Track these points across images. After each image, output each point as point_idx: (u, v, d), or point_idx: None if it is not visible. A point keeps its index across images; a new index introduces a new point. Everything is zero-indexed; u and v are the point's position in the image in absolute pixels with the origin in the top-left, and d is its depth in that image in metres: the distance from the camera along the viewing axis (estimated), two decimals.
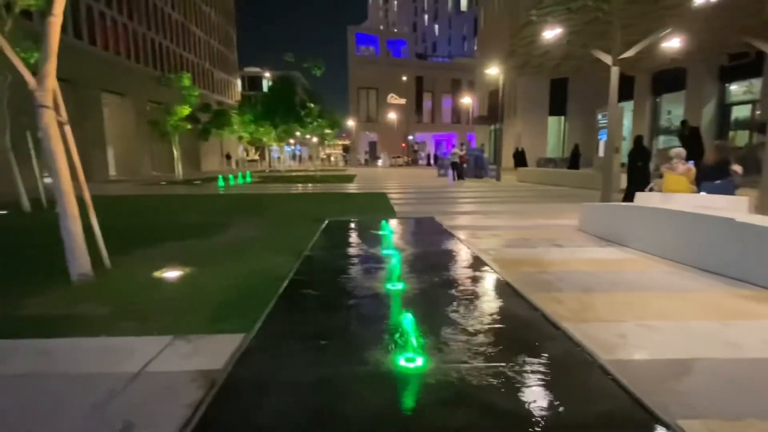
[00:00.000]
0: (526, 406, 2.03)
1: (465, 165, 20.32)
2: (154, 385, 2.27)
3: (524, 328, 2.97)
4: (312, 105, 19.84)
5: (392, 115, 51.53)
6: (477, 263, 4.76)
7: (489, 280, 4.14)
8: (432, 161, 49.73)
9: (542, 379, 2.27)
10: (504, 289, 3.85)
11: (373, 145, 55.45)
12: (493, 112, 30.04)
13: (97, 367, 2.49)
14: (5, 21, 4.39)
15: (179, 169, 20.45)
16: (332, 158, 65.22)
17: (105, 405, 2.09)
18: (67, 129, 4.38)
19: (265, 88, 54.32)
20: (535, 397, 2.11)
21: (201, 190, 16.52)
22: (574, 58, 10.44)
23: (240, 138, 28.35)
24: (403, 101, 53.24)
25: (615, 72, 7.42)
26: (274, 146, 44.40)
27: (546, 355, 2.55)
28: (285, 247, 5.60)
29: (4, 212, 9.72)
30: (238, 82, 55.43)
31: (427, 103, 55.77)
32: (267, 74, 48.55)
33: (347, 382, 2.29)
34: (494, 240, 6.15)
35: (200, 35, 39.51)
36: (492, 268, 4.48)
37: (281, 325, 3.09)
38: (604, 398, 2.11)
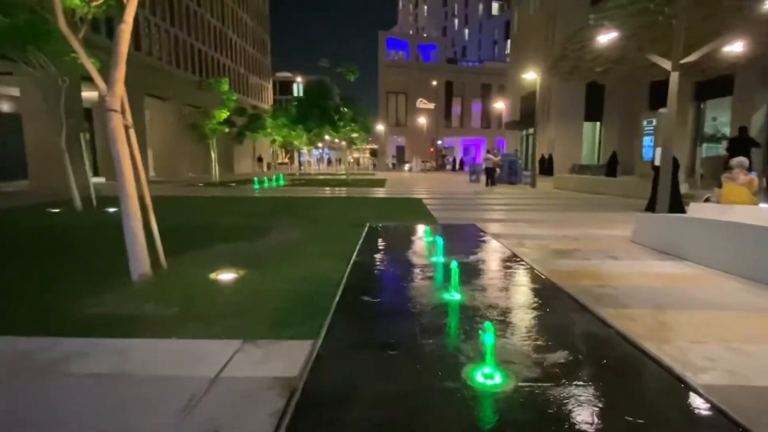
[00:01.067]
0: None
1: (498, 171, 20.01)
2: (233, 391, 2.27)
3: (602, 347, 2.83)
4: (345, 109, 19.98)
5: (421, 120, 51.46)
6: (533, 274, 4.61)
7: (550, 293, 4.00)
8: (456, 166, 49.33)
9: (635, 404, 2.14)
10: (568, 303, 3.70)
11: (400, 150, 55.47)
12: (526, 116, 29.51)
13: (174, 370, 2.51)
14: (80, 29, 4.56)
15: (216, 171, 20.98)
16: (360, 162, 65.65)
17: (190, 409, 2.09)
18: (131, 132, 4.53)
19: (296, 93, 55.36)
20: (630, 426, 1.98)
21: (237, 192, 16.87)
22: (626, 63, 10.08)
23: (273, 141, 28.86)
24: (432, 106, 53.10)
25: (674, 77, 7.09)
26: (304, 149, 45.05)
27: (633, 377, 2.41)
28: (331, 252, 5.61)
29: (58, 210, 10.16)
30: (271, 87, 56.61)
31: (456, 108, 55.45)
32: (299, 79, 49.39)
33: (424, 396, 2.23)
34: (543, 250, 5.97)
35: (236, 40, 40.62)
36: (551, 280, 4.33)
37: (346, 333, 3.06)
38: (708, 429, 1.97)
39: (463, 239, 6.87)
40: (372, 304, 3.70)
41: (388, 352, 2.74)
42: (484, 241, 6.53)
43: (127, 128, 4.39)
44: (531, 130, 29.44)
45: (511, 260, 5.28)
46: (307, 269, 4.79)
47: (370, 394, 2.25)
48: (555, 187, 18.59)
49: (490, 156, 19.52)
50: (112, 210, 10.06)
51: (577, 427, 1.95)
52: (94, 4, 4.47)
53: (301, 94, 24.09)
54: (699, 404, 2.14)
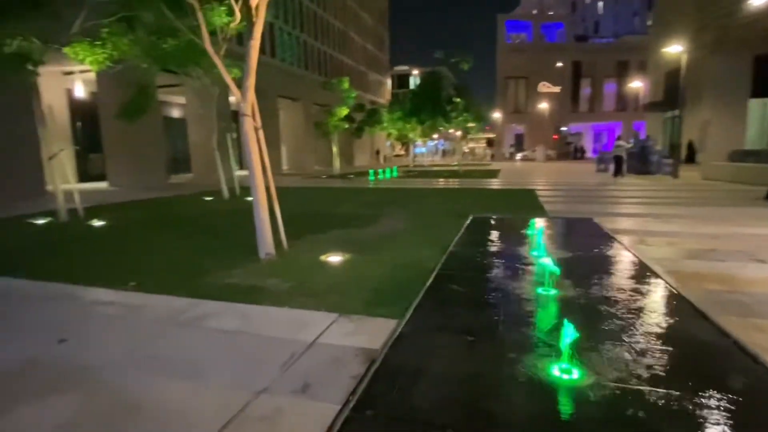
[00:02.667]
0: None
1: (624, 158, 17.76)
2: (325, 355, 2.64)
3: (706, 356, 2.55)
4: (458, 99, 19.80)
5: (543, 105, 48.09)
6: (644, 273, 4.19)
7: (659, 294, 3.63)
8: (579, 154, 45.04)
9: (733, 421, 1.94)
10: (680, 306, 3.32)
11: (519, 138, 52.67)
12: (671, 96, 25.53)
13: (283, 333, 3.00)
14: (221, 46, 5.48)
15: (337, 164, 22.67)
16: (476, 152, 64.10)
17: (291, 365, 2.52)
18: (260, 133, 5.30)
19: (412, 86, 56.34)
20: None
21: (355, 183, 18.06)
22: None
23: (388, 134, 29.98)
24: (556, 89, 49.23)
25: None
26: (418, 141, 45.73)
27: (740, 394, 2.15)
28: (431, 241, 5.80)
29: (211, 199, 12.20)
30: (389, 82, 58.52)
31: (585, 90, 50.53)
32: (415, 71, 50.15)
33: (495, 381, 2.31)
34: (669, 248, 5.33)
35: (357, 40, 42.89)
36: (664, 281, 3.90)
37: (430, 316, 3.25)
38: None
39: (572, 234, 6.46)
40: (459, 293, 3.81)
41: (466, 337, 2.86)
42: (596, 237, 6.06)
43: (256, 130, 5.15)
44: (676, 112, 25.51)
45: (622, 258, 4.85)
46: (405, 256, 5.08)
47: (441, 372, 2.42)
48: (704, 177, 15.93)
49: (621, 143, 17.50)
50: (249, 199, 11.71)
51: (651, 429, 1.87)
52: (232, 26, 5.31)
53: (417, 87, 24.54)
54: None
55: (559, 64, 46.94)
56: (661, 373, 2.34)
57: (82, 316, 3.43)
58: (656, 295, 3.63)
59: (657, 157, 18.43)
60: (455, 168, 24.66)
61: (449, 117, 20.21)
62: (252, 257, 5.10)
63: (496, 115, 48.11)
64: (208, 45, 4.89)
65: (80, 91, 18.35)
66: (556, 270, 3.68)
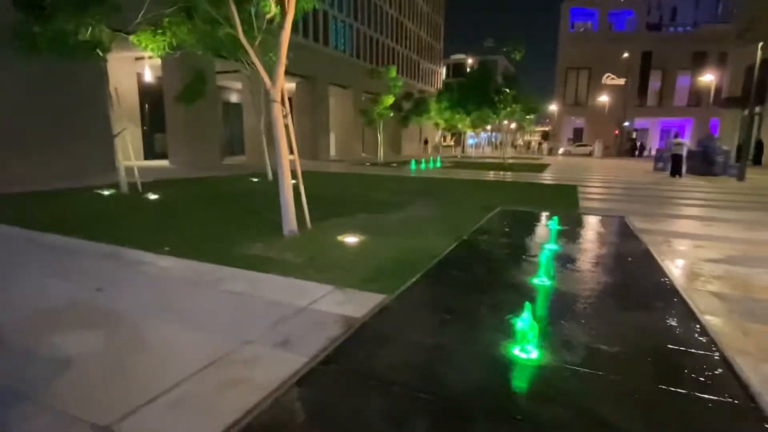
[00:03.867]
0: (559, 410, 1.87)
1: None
2: (311, 319, 2.95)
3: (672, 351, 2.57)
4: (507, 90, 19.31)
5: (605, 98, 45.42)
6: (649, 271, 4.12)
7: (654, 291, 3.58)
8: (638, 152, 42.26)
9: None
10: (670, 303, 3.29)
11: (578, 132, 50.20)
12: (750, 92, 23.25)
13: (282, 298, 3.34)
14: (257, 36, 5.88)
15: (381, 152, 22.98)
16: (532, 145, 61.91)
17: (279, 324, 2.85)
18: (288, 119, 5.67)
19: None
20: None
21: (395, 171, 18.29)
22: None
23: (436, 124, 29.80)
24: (621, 81, 46.21)
25: None
26: (471, 132, 44.85)
27: (700, 393, 2.21)
28: (449, 229, 5.94)
29: (256, 180, 12.95)
30: (443, 71, 57.72)
31: (654, 83, 47.01)
32: (469, 60, 49.10)
33: (453, 353, 2.50)
34: (692, 250, 5.13)
35: (411, 28, 42.64)
36: (670, 280, 3.83)
37: (417, 295, 3.47)
38: None
39: (594, 231, 6.34)
40: (455, 277, 3.98)
41: (444, 315, 3.06)
42: (620, 235, 5.92)
43: (285, 116, 5.53)
44: (757, 109, 23.28)
45: (634, 256, 4.75)
46: (418, 242, 5.27)
47: (408, 341, 2.65)
48: None
49: (679, 140, 16.34)
50: (293, 182, 12.33)
51: (596, 411, 2.00)
52: (268, 16, 5.68)
53: (465, 77, 24.07)
54: (757, 428, 1.89)
55: (625, 55, 43.91)
56: (615, 361, 2.42)
57: (120, 271, 3.98)
58: (651, 291, 3.60)
59: (723, 157, 17.02)
60: (501, 161, 24.14)
61: (497, 108, 19.76)
62: (277, 234, 5.52)
63: (553, 107, 46.13)
64: (241, 35, 5.29)
65: (148, 76, 19.93)
66: (552, 262, 3.75)
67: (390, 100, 20.57)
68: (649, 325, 2.95)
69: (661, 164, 19.44)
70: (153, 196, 8.86)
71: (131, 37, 9.04)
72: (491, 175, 16.49)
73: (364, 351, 2.52)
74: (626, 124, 45.72)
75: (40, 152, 12.51)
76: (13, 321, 2.89)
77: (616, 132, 45.94)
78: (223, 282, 3.70)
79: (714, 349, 2.58)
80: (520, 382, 2.24)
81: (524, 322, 2.50)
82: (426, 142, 45.19)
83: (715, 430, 1.86)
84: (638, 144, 44.94)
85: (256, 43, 5.81)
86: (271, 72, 5.38)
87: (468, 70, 23.17)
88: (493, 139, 68.27)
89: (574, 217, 7.29)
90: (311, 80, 25.91)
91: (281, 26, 5.14)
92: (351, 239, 5.36)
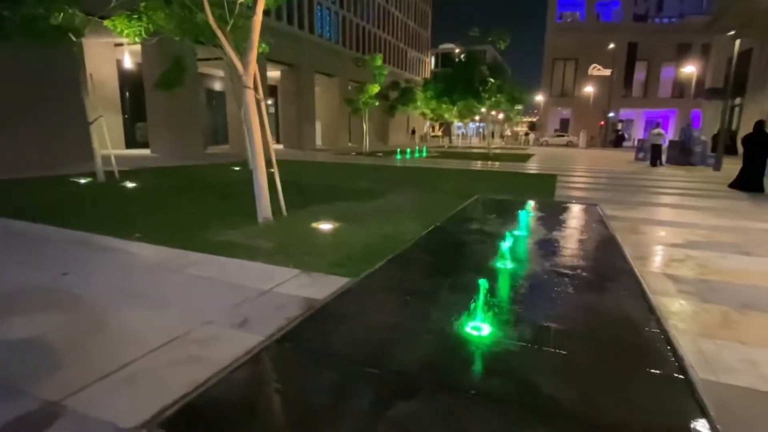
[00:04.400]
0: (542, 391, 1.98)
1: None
2: (272, 301, 3.00)
3: (617, 328, 2.69)
4: (491, 80, 19.35)
5: (591, 89, 45.77)
6: (614, 256, 4.25)
7: (612, 274, 3.71)
8: (620, 142, 42.89)
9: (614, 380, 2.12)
10: (625, 284, 3.42)
11: (564, 123, 50.61)
12: (733, 83, 23.68)
13: (246, 282, 3.38)
14: (228, 22, 5.82)
15: (366, 142, 22.92)
16: (519, 136, 62.25)
17: (240, 306, 2.90)
18: (263, 105, 5.65)
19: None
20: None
21: (380, 161, 18.29)
22: None
23: (423, 114, 29.76)
24: (607, 72, 46.54)
25: None
26: (459, 123, 44.81)
27: (636, 366, 2.32)
28: (423, 216, 6.01)
29: (237, 168, 12.85)
30: (433, 60, 57.46)
31: (639, 74, 47.44)
32: (457, 50, 48.86)
33: (408, 331, 2.58)
34: (657, 236, 5.29)
35: (398, 16, 42.28)
36: (629, 264, 3.96)
37: (381, 278, 3.54)
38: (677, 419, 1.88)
39: (564, 218, 6.47)
40: (421, 261, 4.06)
41: (405, 296, 3.14)
42: (589, 222, 6.06)
43: (258, 102, 5.51)
44: (738, 100, 23.74)
45: (599, 241, 4.89)
46: (391, 228, 5.33)
47: (364, 320, 2.72)
48: None
49: (658, 131, 16.61)
50: (272, 171, 12.28)
51: (534, 385, 2.09)
52: (240, 1, 5.62)
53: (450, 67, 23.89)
54: (683, 397, 2.00)
55: (611, 46, 44.18)
56: (562, 337, 2.52)
57: (88, 257, 3.97)
58: (608, 274, 3.72)
59: (701, 147, 17.35)
60: (486, 151, 24.27)
61: (482, 98, 19.81)
62: (252, 221, 5.53)
63: (539, 98, 46.36)
64: (211, 19, 5.24)
65: (128, 62, 19.50)
66: (516, 246, 3.84)
67: (375, 88, 20.48)
68: (600, 304, 3.07)
69: (642, 154, 19.76)
70: (130, 185, 8.77)
71: (106, 22, 8.84)
72: (474, 165, 16.60)
73: (320, 330, 2.59)
74: (611, 114, 46.19)
75: (14, 140, 12.25)
76: None
77: (602, 123, 46.40)
78: (190, 267, 3.73)
79: (658, 326, 2.69)
80: (467, 357, 2.32)
81: (476, 301, 2.59)
82: (413, 132, 45.11)
83: (644, 399, 1.97)
84: (623, 134, 45.46)
85: (228, 28, 5.75)
86: (245, 58, 5.34)
87: (456, 60, 23.03)
88: (481, 130, 68.42)
89: (548, 205, 7.42)
90: (296, 68, 25.63)
91: (253, 11, 5.10)
92: (325, 226, 5.40)
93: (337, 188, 9.18)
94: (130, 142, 21.33)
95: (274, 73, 26.32)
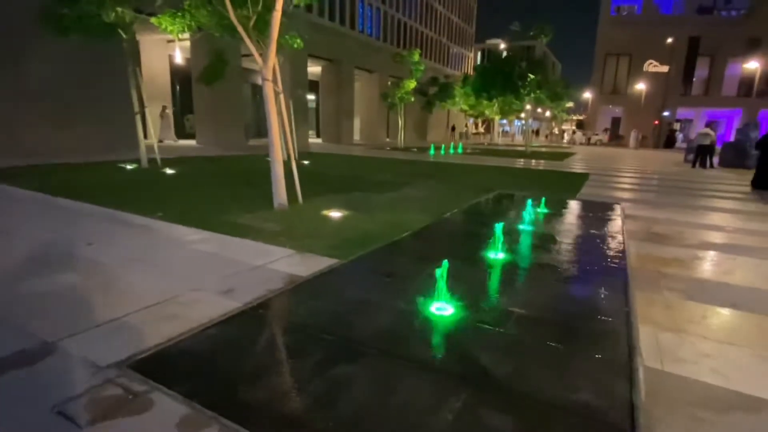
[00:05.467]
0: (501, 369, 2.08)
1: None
2: (261, 275, 3.26)
3: (585, 319, 2.72)
4: (531, 76, 18.86)
5: (645, 86, 43.33)
6: (614, 252, 4.19)
7: (607, 269, 3.67)
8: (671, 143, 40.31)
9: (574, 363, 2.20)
10: (615, 281, 3.39)
11: (616, 121, 48.26)
12: None
13: (243, 258, 3.66)
14: (250, 17, 6.15)
15: (402, 137, 23.04)
16: (566, 135, 60.04)
17: (230, 277, 3.18)
18: (282, 97, 5.96)
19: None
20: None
21: (411, 156, 18.37)
22: None
23: (462, 110, 29.43)
24: (665, 69, 43.85)
25: None
26: (504, 120, 43.80)
27: (587, 351, 2.37)
28: (433, 208, 6.12)
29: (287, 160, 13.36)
30: (479, 56, 56.51)
31: (700, 71, 44.35)
32: (502, 46, 47.72)
33: (376, 307, 2.75)
34: (673, 237, 5.11)
35: (441, 11, 41.88)
36: (625, 260, 3.90)
37: (370, 261, 3.71)
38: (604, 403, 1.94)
39: (577, 214, 6.34)
40: (414, 248, 4.19)
41: (385, 278, 3.30)
42: (603, 219, 5.92)
43: (277, 94, 5.82)
44: None
45: (608, 237, 4.80)
46: (397, 218, 5.49)
47: (338, 296, 2.92)
48: None
49: (706, 131, 15.59)
50: (306, 162, 12.73)
51: (493, 365, 2.21)
52: None
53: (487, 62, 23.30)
54: (617, 379, 2.05)
55: (670, 40, 41.57)
56: (524, 322, 2.60)
57: (114, 231, 4.43)
58: (599, 268, 3.69)
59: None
60: (523, 149, 23.70)
61: (520, 94, 19.39)
62: (269, 206, 5.87)
63: (587, 95, 44.50)
64: (232, 15, 5.58)
65: (179, 58, 20.69)
66: (516, 238, 3.89)
67: (412, 84, 20.53)
68: (576, 295, 3.09)
69: (691, 156, 18.58)
70: (169, 171, 9.43)
71: (152, 19, 9.52)
72: (506, 162, 16.32)
73: (294, 301, 2.81)
74: (666, 113, 43.54)
75: (73, 128, 13.43)
76: (6, 264, 3.36)
77: (656, 122, 43.85)
78: (198, 243, 4.07)
79: (626, 319, 2.70)
80: (419, 332, 2.46)
81: (447, 285, 2.71)
82: (453, 128, 44.64)
83: (575, 378, 2.03)
84: (674, 135, 42.77)
85: (251, 23, 6.08)
86: (265, 51, 5.64)
87: (503, 55, 22.58)
88: (526, 128, 66.48)
89: (566, 201, 7.27)
90: (336, 63, 26.11)
91: (273, 7, 5.39)
92: (335, 213, 5.63)
93: (359, 179, 9.41)
94: (180, 133, 22.65)
95: (315, 69, 26.95)
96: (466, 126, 51.90)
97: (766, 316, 2.84)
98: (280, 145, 5.94)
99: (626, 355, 2.23)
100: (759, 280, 3.58)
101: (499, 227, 3.95)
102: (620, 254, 4.13)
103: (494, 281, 3.35)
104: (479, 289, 3.12)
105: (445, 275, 2.70)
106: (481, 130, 56.93)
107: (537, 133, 57.52)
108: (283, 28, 11.03)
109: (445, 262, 2.73)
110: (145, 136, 10.58)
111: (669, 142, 40.44)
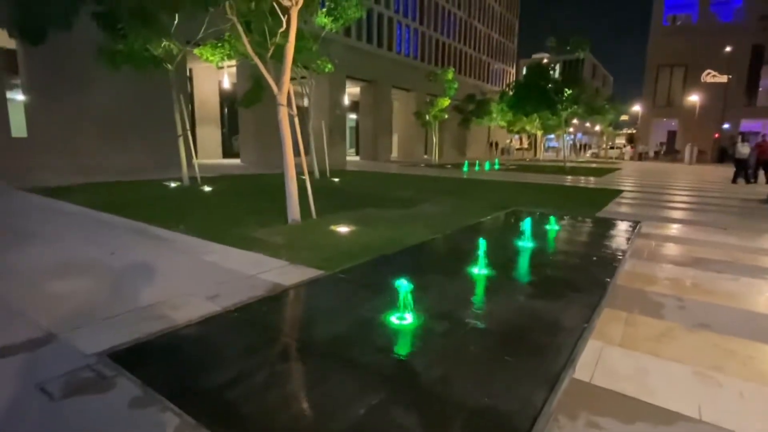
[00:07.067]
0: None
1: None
2: (249, 283, 3.59)
3: (541, 334, 2.79)
4: (568, 90, 18.53)
5: (703, 98, 40.83)
6: (606, 271, 4.15)
7: (588, 287, 3.67)
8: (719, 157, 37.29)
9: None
10: (590, 298, 3.40)
11: (672, 135, 45.71)
12: None
13: (239, 267, 4.02)
14: (269, 48, 6.70)
15: (436, 154, 23.22)
16: (618, 150, 57.53)
17: (221, 284, 3.53)
18: (296, 121, 6.40)
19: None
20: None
21: (442, 172, 18.49)
22: None
23: (502, 126, 29.19)
24: (724, 78, 41.19)
25: None
26: (551, 135, 42.69)
27: (523, 360, 2.47)
28: (439, 225, 6.26)
29: (304, 177, 14.01)
30: (522, 71, 55.78)
31: (765, 80, 41.27)
32: (545, 60, 46.91)
33: (342, 316, 2.97)
34: (676, 256, 4.95)
35: (481, 29, 42.04)
36: (612, 278, 3.88)
37: (353, 273, 3.94)
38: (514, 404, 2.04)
39: (587, 232, 6.23)
40: (403, 263, 4.38)
41: (360, 290, 3.52)
42: (612, 237, 5.80)
43: (292, 117, 6.27)
44: None
45: (608, 256, 4.74)
46: (401, 233, 5.69)
47: (311, 304, 3.17)
48: None
49: (745, 144, 14.60)
50: (336, 180, 13.25)
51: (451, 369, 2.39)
52: (280, 31, 6.42)
53: (555, 76, 22.72)
54: (539, 389, 2.14)
55: (728, 49, 39.14)
56: (475, 333, 2.72)
57: (137, 242, 4.97)
58: (581, 286, 3.69)
59: None
60: (563, 165, 23.08)
61: (556, 109, 19.07)
62: (284, 221, 6.28)
63: (636, 108, 42.62)
64: (248, 47, 6.13)
65: (226, 83, 22.26)
66: (509, 256, 3.97)
67: (445, 102, 20.76)
68: (543, 310, 3.14)
69: (743, 171, 17.33)
70: (207, 189, 10.21)
71: (195, 50, 10.49)
72: (539, 179, 16.03)
73: (267, 307, 3.10)
74: (726, 126, 40.74)
75: (125, 149, 14.82)
76: (38, 267, 3.92)
77: (716, 135, 41.08)
78: (205, 254, 4.50)
79: (579, 334, 2.74)
80: (372, 338, 2.65)
81: (401, 293, 2.89)
82: (495, 144, 44.15)
83: (498, 385, 2.14)
84: (726, 149, 39.78)
85: (269, 54, 6.63)
86: (280, 79, 6.13)
87: (538, 70, 22.32)
88: (563, 143, 64.28)
89: (582, 219, 7.15)
90: (373, 84, 26.91)
91: (286, 39, 5.88)
92: (343, 228, 5.93)
93: (379, 196, 9.70)
94: (227, 152, 24.17)
95: (354, 89, 27.91)
96: (510, 141, 51.13)
97: (732, 336, 2.77)
98: (293, 164, 6.36)
99: (560, 368, 2.31)
100: (742, 301, 3.44)
101: (483, 244, 4.06)
102: (609, 272, 4.09)
103: (464, 295, 3.47)
104: (447, 302, 3.27)
105: (407, 288, 2.88)
106: (525, 145, 55.81)
107: (585, 148, 55.55)
108: (315, 54, 11.77)
109: (403, 281, 2.91)
110: (196, 155, 11.52)
111: (722, 156, 37.73)
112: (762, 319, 3.11)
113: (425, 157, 33.05)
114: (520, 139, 56.12)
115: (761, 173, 15.14)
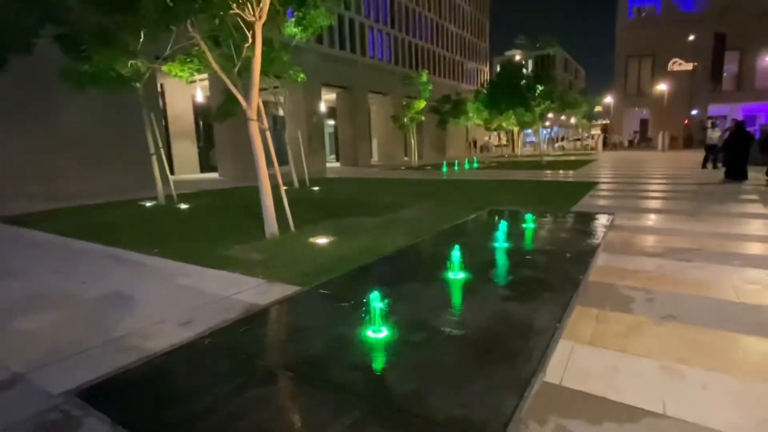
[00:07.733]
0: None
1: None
2: (223, 306, 3.55)
3: (510, 337, 2.84)
4: (539, 87, 18.87)
5: (671, 86, 42.06)
6: (578, 267, 4.23)
7: (559, 285, 3.74)
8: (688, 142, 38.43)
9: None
10: (560, 296, 3.47)
11: (644, 124, 46.95)
12: None
13: (214, 289, 3.97)
14: (236, 64, 6.66)
15: (415, 156, 23.35)
16: (591, 141, 58.72)
17: (195, 309, 3.49)
18: (267, 134, 6.38)
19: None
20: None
21: (422, 174, 18.59)
22: None
23: (478, 125, 29.55)
24: (690, 66, 42.51)
25: None
26: (529, 130, 43.38)
27: (494, 365, 2.50)
28: (416, 231, 6.29)
29: (285, 188, 13.92)
30: (496, 69, 56.60)
31: (730, 66, 42.68)
32: (517, 57, 47.69)
33: (317, 334, 2.97)
34: (648, 247, 5.08)
35: (453, 30, 42.53)
36: (585, 275, 3.96)
37: (329, 287, 3.93)
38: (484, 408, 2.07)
39: (562, 228, 6.35)
40: (379, 273, 4.39)
41: (339, 304, 3.51)
42: (586, 232, 5.92)
43: (263, 131, 6.24)
44: None
45: (581, 251, 4.83)
46: (376, 242, 5.70)
47: (286, 323, 3.16)
48: None
49: (715, 129, 15.11)
50: (315, 188, 13.20)
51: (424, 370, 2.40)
52: (246, 46, 6.39)
53: (528, 72, 22.92)
54: (509, 394, 2.17)
55: (691, 37, 40.42)
56: (448, 341, 2.75)
57: (110, 269, 4.87)
58: (552, 285, 3.75)
59: None
60: (539, 159, 23.45)
61: (530, 105, 19.39)
62: (262, 236, 6.23)
63: (608, 99, 43.62)
64: (214, 64, 6.09)
65: (200, 97, 21.99)
66: (483, 257, 4.02)
67: (421, 104, 20.92)
68: (516, 313, 3.19)
69: (712, 156, 17.89)
70: (183, 206, 10.05)
71: (163, 67, 10.34)
72: (516, 175, 16.25)
73: (243, 330, 3.07)
74: (694, 112, 41.99)
75: (104, 170, 14.51)
76: (4, 303, 3.81)
77: (686, 122, 42.31)
78: (179, 277, 4.44)
79: (550, 335, 2.79)
80: (348, 355, 2.66)
81: (374, 308, 2.91)
82: (474, 142, 44.65)
83: (468, 392, 2.17)
84: (693, 134, 41.07)
85: (236, 69, 6.59)
86: (248, 94, 6.10)
87: (507, 68, 22.67)
88: (539, 138, 65.41)
89: (557, 215, 7.27)
90: (350, 90, 26.95)
91: (253, 54, 5.86)
92: (321, 240, 5.91)
93: (358, 204, 9.70)
94: (205, 167, 23.85)
95: (330, 96, 27.88)
96: (489, 139, 51.72)
97: (698, 326, 2.86)
98: (268, 177, 6.33)
99: (531, 372, 2.34)
100: (712, 290, 3.56)
101: (458, 248, 4.10)
102: (582, 268, 4.18)
103: (439, 302, 3.50)
104: (422, 311, 3.28)
105: (380, 302, 2.89)
106: (504, 142, 56.55)
107: (562, 139, 56.49)
108: (287, 65, 11.71)
109: (376, 294, 2.92)
110: (172, 172, 11.34)
111: (689, 142, 38.85)
112: (726, 306, 3.21)
113: (405, 159, 33.18)
114: (498, 135, 56.92)
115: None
